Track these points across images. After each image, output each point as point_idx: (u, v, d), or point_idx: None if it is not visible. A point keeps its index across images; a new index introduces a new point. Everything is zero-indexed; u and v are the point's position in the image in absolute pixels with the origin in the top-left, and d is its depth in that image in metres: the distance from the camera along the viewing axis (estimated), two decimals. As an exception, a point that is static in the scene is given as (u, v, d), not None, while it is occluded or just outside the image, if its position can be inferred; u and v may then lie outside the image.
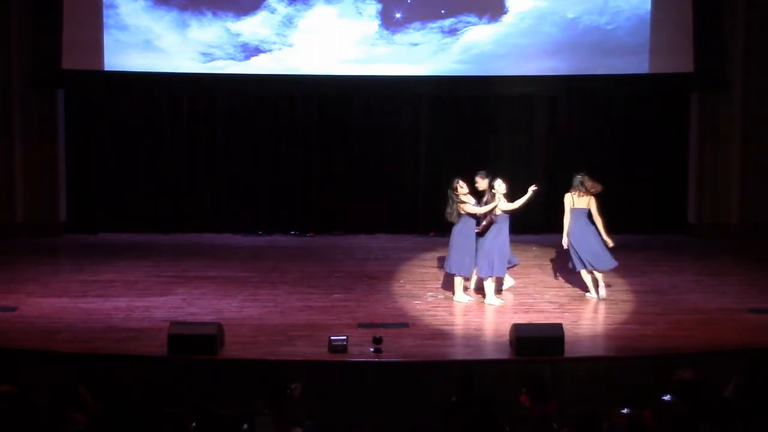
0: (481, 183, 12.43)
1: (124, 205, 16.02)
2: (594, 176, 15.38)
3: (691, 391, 8.53)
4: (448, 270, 12.53)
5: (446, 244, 12.66)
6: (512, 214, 12.45)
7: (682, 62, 15.14)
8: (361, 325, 11.63)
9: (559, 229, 16.03)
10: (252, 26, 15.19)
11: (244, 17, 15.18)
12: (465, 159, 15.92)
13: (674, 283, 13.43)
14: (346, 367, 10.51)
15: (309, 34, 15.20)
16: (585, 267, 12.46)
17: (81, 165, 15.94)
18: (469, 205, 12.33)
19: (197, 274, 13.70)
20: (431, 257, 14.47)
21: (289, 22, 15.20)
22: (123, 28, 15.21)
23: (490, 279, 12.34)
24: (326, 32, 15.18)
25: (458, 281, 12.46)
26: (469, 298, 12.51)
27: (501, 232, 12.32)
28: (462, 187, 12.34)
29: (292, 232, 16.13)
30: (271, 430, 8.40)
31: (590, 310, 12.26)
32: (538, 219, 15.97)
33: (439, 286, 13.05)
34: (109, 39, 15.19)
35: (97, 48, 15.17)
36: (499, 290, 12.61)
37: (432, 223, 15.13)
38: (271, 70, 15.26)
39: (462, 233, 12.35)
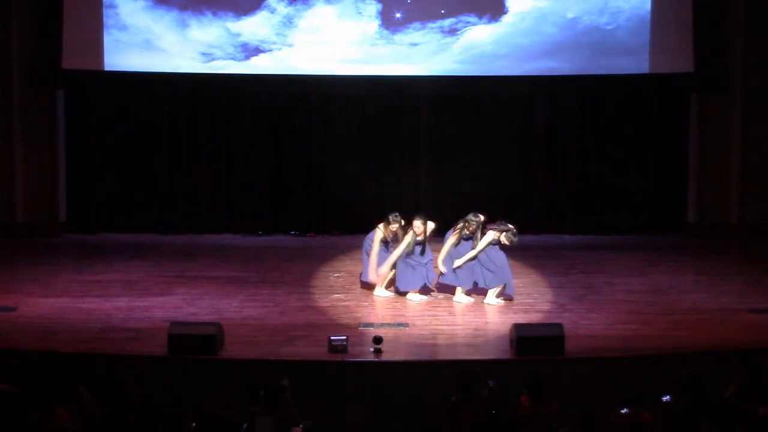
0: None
1: (124, 205, 16.00)
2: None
3: (691, 386, 8.53)
4: (448, 282, 12.58)
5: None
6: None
7: (682, 62, 15.15)
8: (361, 325, 11.63)
9: (558, 230, 16.15)
10: (252, 26, 15.19)
11: (244, 17, 15.19)
12: (464, 159, 15.96)
13: (674, 283, 13.42)
14: (346, 367, 10.51)
15: (309, 34, 15.20)
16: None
17: (81, 165, 15.93)
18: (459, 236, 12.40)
19: (197, 274, 13.70)
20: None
21: (289, 22, 15.20)
22: (123, 28, 15.22)
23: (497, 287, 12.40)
24: (326, 32, 15.18)
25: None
26: (469, 298, 12.51)
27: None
28: (468, 224, 12.33)
29: (292, 232, 16.13)
30: (271, 430, 8.41)
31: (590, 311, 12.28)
32: (538, 219, 16.01)
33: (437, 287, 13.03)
34: (109, 39, 15.19)
35: (97, 48, 15.17)
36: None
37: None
38: (271, 70, 15.27)
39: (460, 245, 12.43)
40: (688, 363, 9.52)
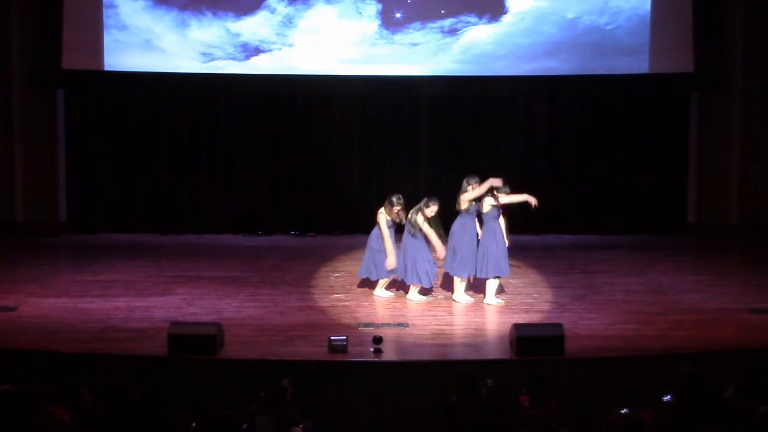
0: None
1: (124, 205, 16.02)
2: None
3: (691, 386, 8.52)
4: (449, 271, 12.55)
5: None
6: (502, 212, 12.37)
7: (682, 62, 15.14)
8: (361, 325, 11.64)
9: (558, 230, 16.15)
10: (252, 26, 15.19)
11: (244, 17, 15.19)
12: (465, 159, 15.95)
13: (674, 283, 13.42)
14: (346, 367, 10.51)
15: (309, 34, 15.20)
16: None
17: (81, 165, 15.94)
18: (464, 198, 12.31)
19: (197, 274, 13.70)
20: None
21: (289, 22, 15.20)
22: (123, 28, 15.22)
23: (491, 279, 12.34)
24: (326, 32, 15.18)
25: (458, 281, 12.47)
26: (468, 298, 12.51)
27: (496, 231, 12.28)
28: (472, 187, 12.28)
29: (292, 232, 16.14)
30: (271, 430, 8.41)
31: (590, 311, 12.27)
32: (538, 219, 16.00)
33: (439, 285, 13.02)
34: (109, 39, 15.19)
35: (97, 48, 15.17)
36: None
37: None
38: (271, 70, 15.27)
39: (462, 233, 12.35)
40: (688, 363, 9.51)
